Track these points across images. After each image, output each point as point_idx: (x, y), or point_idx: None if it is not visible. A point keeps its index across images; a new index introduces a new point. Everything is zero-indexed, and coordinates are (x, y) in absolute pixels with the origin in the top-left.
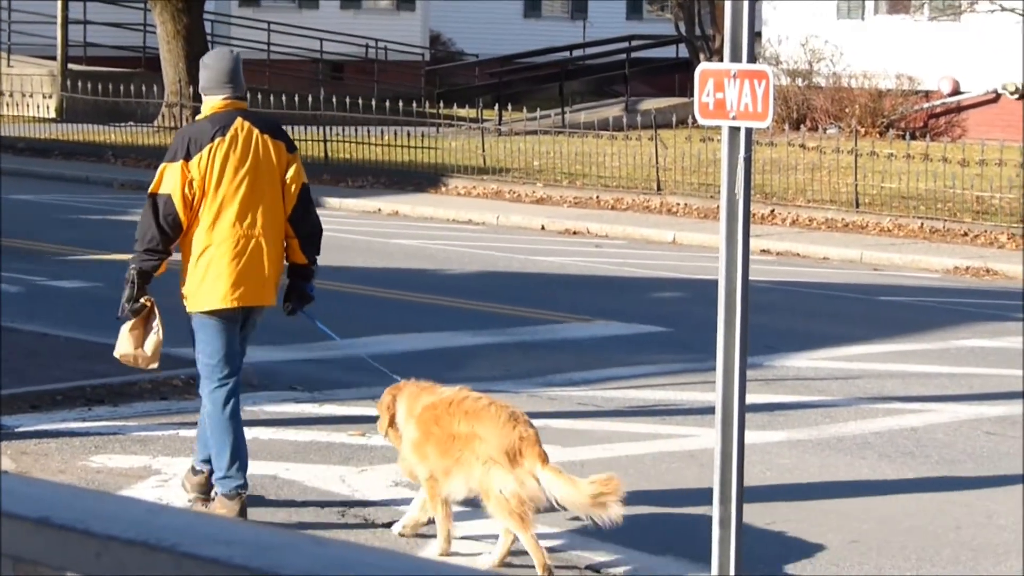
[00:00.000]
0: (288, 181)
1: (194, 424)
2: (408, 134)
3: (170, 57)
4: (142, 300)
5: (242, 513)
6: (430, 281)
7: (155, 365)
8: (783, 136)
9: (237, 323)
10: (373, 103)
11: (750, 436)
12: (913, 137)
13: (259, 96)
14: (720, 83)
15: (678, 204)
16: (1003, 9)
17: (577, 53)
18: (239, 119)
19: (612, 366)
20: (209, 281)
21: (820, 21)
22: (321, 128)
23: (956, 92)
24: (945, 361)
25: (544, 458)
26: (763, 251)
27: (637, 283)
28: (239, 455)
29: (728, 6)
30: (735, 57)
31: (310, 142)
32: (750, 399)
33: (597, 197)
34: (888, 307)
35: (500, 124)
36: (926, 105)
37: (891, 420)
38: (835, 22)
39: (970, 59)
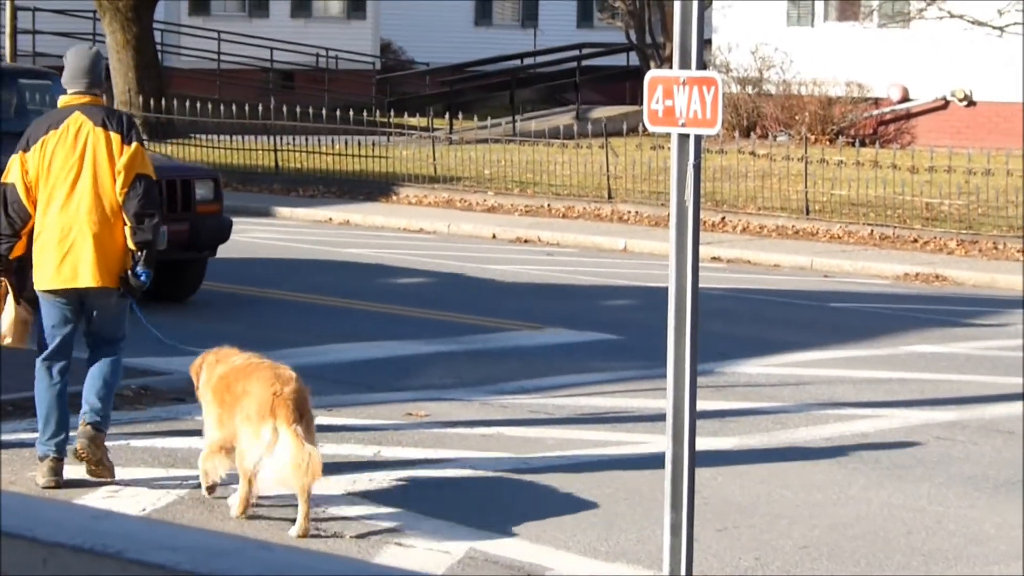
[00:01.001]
0: (119, 169)
1: (144, 434)
2: (359, 143)
3: (120, 67)
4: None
5: (54, 475)
6: (381, 290)
7: (8, 341)
8: (733, 144)
9: (71, 304)
10: (324, 112)
11: (701, 442)
12: (863, 144)
13: (209, 105)
14: (669, 90)
15: (629, 212)
16: (951, 16)
17: (528, 61)
18: (76, 113)
19: (563, 373)
20: (40, 264)
21: (770, 28)
22: (271, 137)
23: (905, 99)
24: (895, 367)
25: (292, 419)
26: (714, 258)
27: (588, 291)
28: (51, 425)
29: (677, 14)
30: (684, 64)
31: (260, 151)
32: (701, 406)
33: (548, 205)
34: (838, 313)
35: (451, 133)
36: (876, 112)
37: (842, 425)
38: (785, 29)
39: (919, 66)
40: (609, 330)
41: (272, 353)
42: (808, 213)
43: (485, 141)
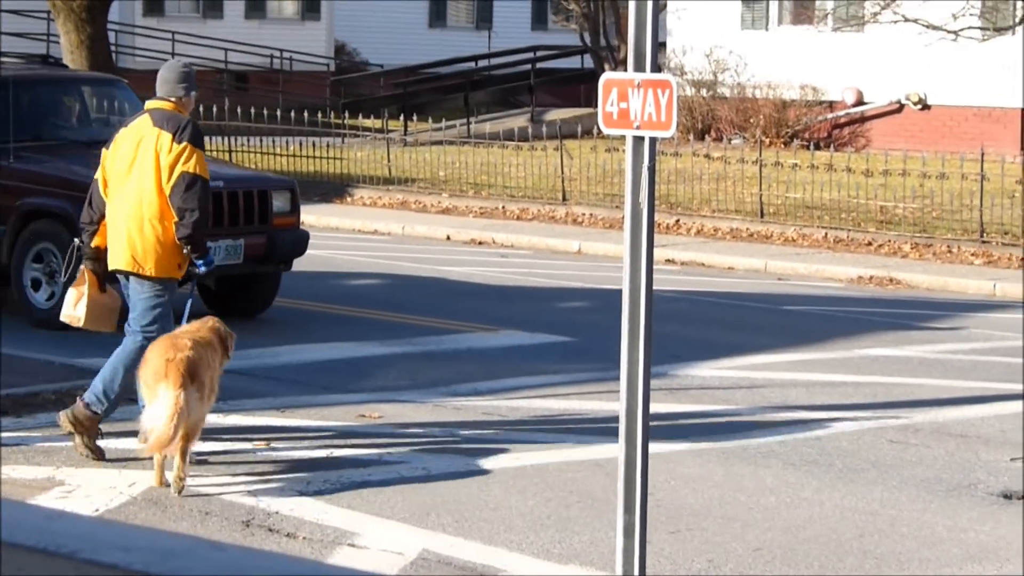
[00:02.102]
0: (164, 166)
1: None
2: (313, 144)
3: (74, 67)
4: (81, 268)
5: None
6: (336, 291)
7: (84, 324)
8: (688, 146)
9: (115, 290)
10: (278, 113)
11: (654, 445)
12: (817, 147)
13: None
14: (624, 93)
15: (583, 214)
16: (906, 20)
17: (482, 63)
18: (145, 115)
19: (517, 375)
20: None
21: (724, 32)
22: (226, 138)
23: (860, 102)
24: (849, 370)
25: (176, 383)
26: (668, 261)
27: (542, 293)
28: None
29: (632, 16)
30: (639, 67)
31: (215, 153)
32: (654, 408)
33: (503, 207)
34: (792, 316)
35: (405, 134)
36: (830, 115)
37: (795, 429)
38: (739, 32)
39: (874, 70)
40: (563, 332)
41: None
42: (762, 216)
43: (440, 143)
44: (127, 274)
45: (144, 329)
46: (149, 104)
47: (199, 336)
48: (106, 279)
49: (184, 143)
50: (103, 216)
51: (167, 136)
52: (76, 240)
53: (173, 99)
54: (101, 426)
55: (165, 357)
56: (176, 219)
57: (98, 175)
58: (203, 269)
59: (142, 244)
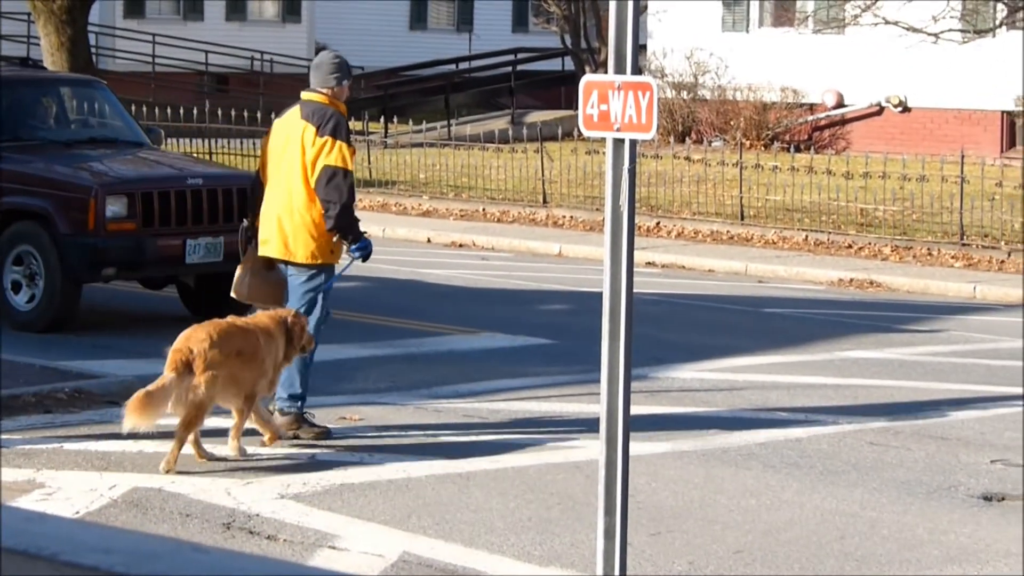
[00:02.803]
0: (312, 158)
1: (78, 437)
2: None
3: (54, 69)
4: (250, 247)
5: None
6: None
7: (246, 300)
8: (668, 149)
9: (281, 269)
10: (258, 115)
11: (635, 447)
12: (798, 150)
13: (144, 108)
14: (604, 95)
15: (564, 216)
16: (886, 22)
17: (463, 65)
18: (297, 106)
19: (498, 378)
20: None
21: (705, 34)
22: (206, 140)
23: (840, 105)
24: (829, 372)
25: (169, 367)
26: (649, 263)
27: (523, 295)
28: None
29: (613, 18)
30: (619, 69)
31: (195, 155)
32: (635, 410)
33: (483, 210)
34: (773, 319)
35: (386, 137)
36: (811, 118)
37: (776, 431)
38: (720, 35)
39: (854, 72)
40: (543, 334)
41: None
42: (743, 218)
43: (420, 145)
44: (280, 261)
45: (308, 316)
46: (303, 95)
47: (255, 324)
48: (271, 259)
49: (326, 137)
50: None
51: (311, 129)
52: (244, 220)
53: (325, 89)
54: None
55: (176, 344)
56: (323, 210)
57: (260, 163)
58: (358, 254)
59: (292, 232)
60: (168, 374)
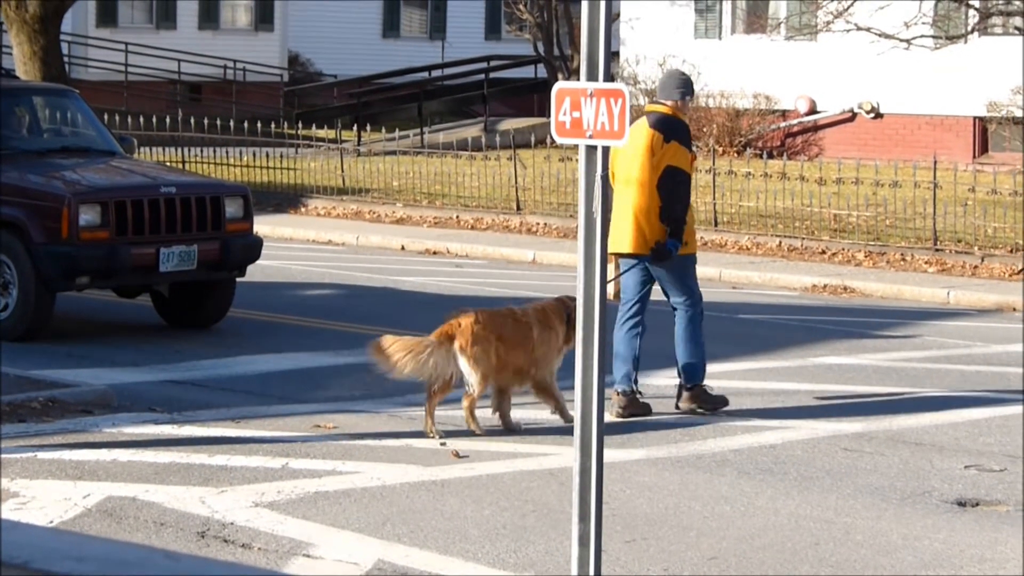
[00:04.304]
0: (658, 161)
1: (52, 446)
2: (267, 155)
3: (27, 78)
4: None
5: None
6: (290, 301)
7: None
8: None
9: (631, 265)
10: (232, 124)
11: (609, 454)
12: (771, 156)
13: (116, 117)
14: (577, 102)
15: (538, 224)
16: (858, 29)
17: (436, 73)
18: (645, 116)
19: None
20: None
21: (678, 41)
22: (179, 149)
23: (813, 111)
24: (803, 378)
25: (437, 334)
26: None
27: (497, 302)
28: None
29: (585, 25)
30: (592, 76)
31: (168, 164)
32: (609, 417)
33: (457, 217)
34: (747, 325)
35: (359, 145)
36: (783, 124)
37: (750, 437)
38: (692, 42)
39: (826, 78)
40: None
41: (178, 365)
42: (716, 225)
43: (393, 153)
44: (633, 256)
45: (684, 303)
46: (648, 107)
47: (532, 311)
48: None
49: (671, 142)
50: (610, 206)
51: (659, 136)
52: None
53: (669, 102)
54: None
55: (453, 323)
56: (661, 205)
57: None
58: (672, 248)
59: (648, 230)
60: (431, 338)
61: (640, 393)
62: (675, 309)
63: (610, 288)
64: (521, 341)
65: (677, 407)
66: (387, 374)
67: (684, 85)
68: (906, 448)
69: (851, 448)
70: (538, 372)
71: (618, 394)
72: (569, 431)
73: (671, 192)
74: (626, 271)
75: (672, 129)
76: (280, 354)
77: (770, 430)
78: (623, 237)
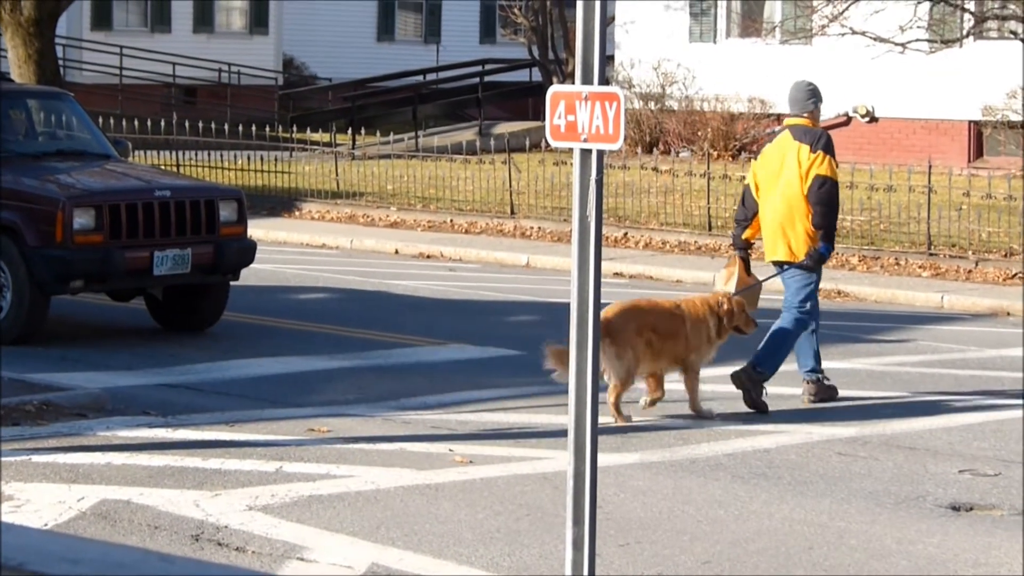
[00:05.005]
0: (805, 171)
1: (46, 450)
2: (261, 158)
3: (21, 82)
4: (733, 253)
5: (810, 395)
6: (284, 305)
7: (736, 298)
8: (636, 159)
9: (782, 271)
10: (226, 127)
11: (603, 458)
12: None
13: (111, 120)
14: (572, 105)
15: (532, 228)
16: (854, 33)
17: (431, 77)
18: (786, 131)
19: (466, 389)
20: (764, 242)
21: (673, 45)
22: (174, 152)
23: None
24: (796, 383)
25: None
26: (616, 274)
27: (491, 306)
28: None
29: (580, 29)
30: (587, 80)
31: (163, 167)
32: (603, 421)
33: (451, 221)
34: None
35: (353, 148)
36: (778, 128)
37: (744, 441)
38: (687, 46)
39: (821, 83)
40: (512, 346)
41: (172, 369)
42: (710, 229)
43: (388, 156)
44: (783, 263)
45: (799, 306)
46: (788, 121)
47: (685, 306)
48: (749, 265)
49: (818, 152)
50: (755, 214)
51: (805, 148)
52: (733, 232)
53: (806, 114)
54: (764, 386)
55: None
56: (812, 211)
57: (748, 180)
58: (824, 252)
59: (794, 238)
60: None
61: (827, 378)
62: (786, 309)
63: (724, 282)
64: (673, 332)
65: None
66: (555, 375)
67: (814, 94)
68: (900, 452)
69: (845, 452)
70: (688, 360)
71: (807, 382)
72: (563, 435)
73: (823, 200)
74: (773, 276)
75: (817, 140)
76: (274, 358)
77: (764, 434)
78: (776, 246)
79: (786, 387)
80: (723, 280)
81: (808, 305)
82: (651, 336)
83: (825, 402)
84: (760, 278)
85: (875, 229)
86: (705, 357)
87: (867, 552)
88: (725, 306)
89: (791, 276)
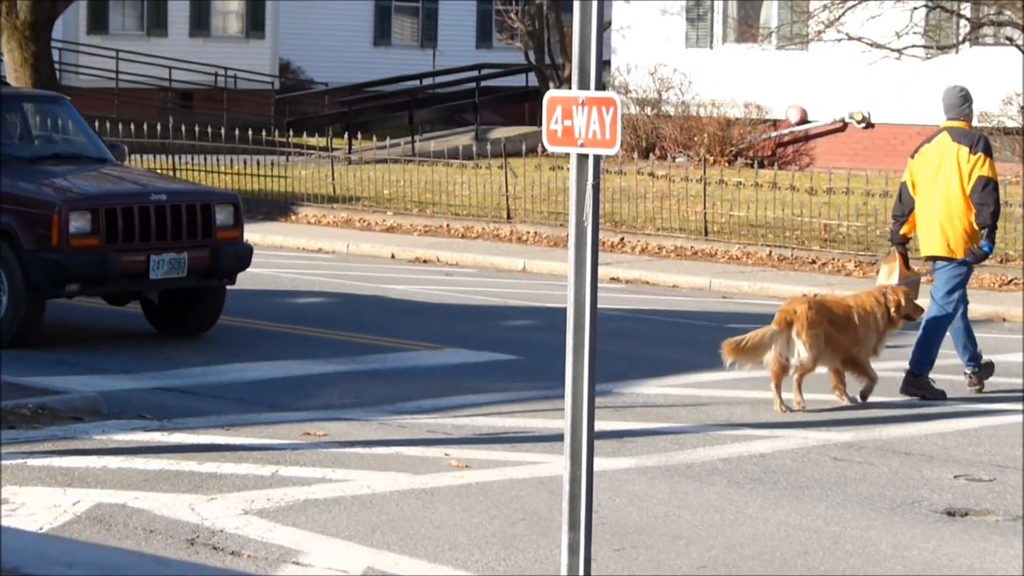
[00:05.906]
0: (967, 172)
1: (41, 453)
2: (258, 163)
3: (17, 85)
4: (892, 248)
5: (972, 385)
6: (281, 309)
7: (899, 296)
8: (632, 164)
9: (942, 267)
10: (222, 131)
11: (599, 463)
12: (761, 166)
13: (107, 124)
14: (568, 110)
15: (528, 232)
16: (850, 38)
17: (427, 81)
18: (944, 133)
19: (462, 393)
20: (919, 237)
21: (669, 50)
22: (170, 156)
23: (804, 121)
24: (793, 387)
25: (777, 322)
26: (613, 279)
27: (487, 311)
28: (966, 350)
29: (576, 34)
30: (583, 85)
31: (159, 171)
32: (600, 426)
33: (447, 225)
34: (737, 334)
35: (350, 153)
36: (774, 134)
37: (739, 446)
38: (684, 51)
39: (818, 88)
40: (508, 350)
41: (168, 373)
42: (707, 234)
43: (384, 161)
44: (938, 258)
45: (944, 300)
46: (944, 124)
47: (853, 300)
48: (907, 259)
49: (979, 153)
50: (911, 211)
51: (964, 149)
52: (891, 228)
53: (962, 118)
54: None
55: (783, 306)
56: (975, 211)
57: (905, 178)
58: (987, 250)
59: (952, 234)
60: (772, 327)
61: (988, 361)
62: (932, 302)
63: (887, 276)
64: (846, 324)
65: (901, 391)
66: (735, 367)
67: (967, 99)
68: (896, 458)
69: (841, 457)
70: (858, 351)
71: (967, 375)
72: (559, 439)
73: (987, 200)
74: (935, 270)
75: (976, 142)
76: (270, 362)
77: (760, 439)
78: (934, 242)
79: (784, 390)
80: (885, 275)
81: (954, 296)
82: (829, 328)
83: (982, 393)
84: (918, 271)
85: (871, 235)
86: (870, 348)
87: (862, 557)
88: (892, 297)
89: (942, 268)
